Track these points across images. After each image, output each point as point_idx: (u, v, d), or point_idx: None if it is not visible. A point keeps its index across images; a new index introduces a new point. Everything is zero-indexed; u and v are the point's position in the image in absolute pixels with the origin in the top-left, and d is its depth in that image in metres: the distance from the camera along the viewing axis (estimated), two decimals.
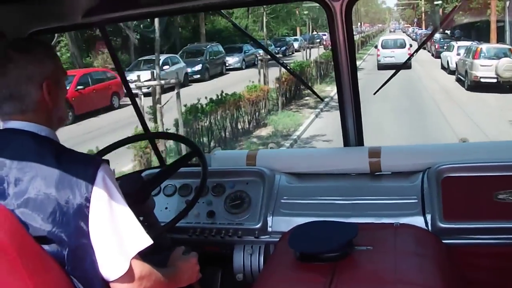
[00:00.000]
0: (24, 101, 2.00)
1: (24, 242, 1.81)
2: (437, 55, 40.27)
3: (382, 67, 32.54)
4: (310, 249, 2.61)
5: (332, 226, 2.77)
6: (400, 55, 31.55)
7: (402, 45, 35.56)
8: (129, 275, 1.96)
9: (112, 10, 3.19)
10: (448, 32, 56.90)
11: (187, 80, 31.87)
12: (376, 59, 35.61)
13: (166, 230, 2.96)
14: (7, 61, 1.98)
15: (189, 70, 33.06)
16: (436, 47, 42.99)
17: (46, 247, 1.88)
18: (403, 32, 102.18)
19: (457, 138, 3.67)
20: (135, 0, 3.01)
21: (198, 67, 34.50)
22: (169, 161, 10.43)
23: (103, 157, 2.45)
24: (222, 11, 3.72)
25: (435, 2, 75.87)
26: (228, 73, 38.74)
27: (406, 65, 3.45)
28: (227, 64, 39.81)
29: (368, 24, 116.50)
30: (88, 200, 1.90)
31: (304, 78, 23.47)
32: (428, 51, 48.11)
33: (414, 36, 75.57)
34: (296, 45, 55.16)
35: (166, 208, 3.47)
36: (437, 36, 44.89)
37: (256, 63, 36.05)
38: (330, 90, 24.48)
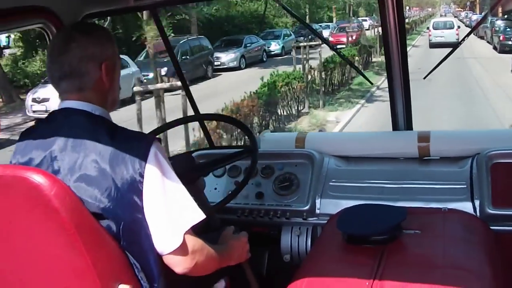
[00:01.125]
0: (83, 79, 2.07)
1: (83, 218, 1.87)
2: (503, 49, 31.94)
3: (433, 45, 37.12)
4: (358, 231, 2.62)
5: (380, 209, 2.77)
6: (449, 35, 37.39)
7: (451, 26, 39.99)
8: (182, 249, 2.01)
9: None
10: None
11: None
12: (428, 38, 40.30)
13: (216, 210, 3.01)
14: (71, 40, 2.06)
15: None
16: (501, 38, 33.18)
17: (101, 222, 1.94)
18: (455, 17, 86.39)
19: None
20: None
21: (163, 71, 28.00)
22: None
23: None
24: None
25: None
26: (218, 74, 30.50)
27: (455, 46, 3.40)
28: (217, 63, 31.24)
29: (417, 8, 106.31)
30: (141, 175, 1.95)
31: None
32: (488, 43, 37.97)
33: (468, 22, 63.55)
34: (326, 33, 44.68)
35: (216, 188, 3.51)
36: (501, 24, 35.24)
37: (264, 59, 35.06)
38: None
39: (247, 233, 2.64)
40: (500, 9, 39.92)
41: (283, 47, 38.57)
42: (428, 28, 44.98)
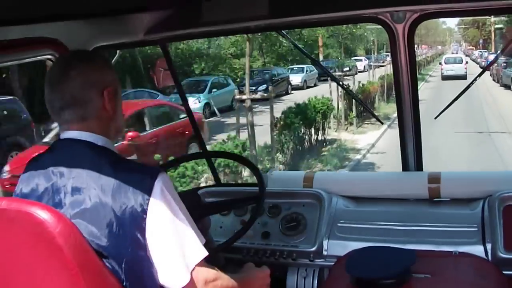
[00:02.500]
0: (87, 108, 2.03)
1: (86, 257, 1.82)
2: None
3: (445, 78, 43.71)
4: (367, 274, 2.58)
5: (389, 252, 2.73)
6: (458, 69, 44.27)
7: (460, 61, 47.16)
8: (192, 284, 1.95)
9: (174, 27, 3.22)
10: None
11: None
12: (441, 72, 47.50)
13: (221, 250, 2.96)
14: (70, 69, 2.03)
15: None
16: None
17: (103, 260, 1.88)
18: (466, 55, 78.51)
19: None
20: (197, 19, 3.04)
21: None
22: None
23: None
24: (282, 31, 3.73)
25: (496, 26, 70.65)
26: None
27: (466, 88, 3.40)
28: None
29: (426, 46, 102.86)
30: (145, 211, 1.90)
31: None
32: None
33: (484, 63, 53.58)
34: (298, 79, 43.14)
35: (221, 227, 3.47)
36: None
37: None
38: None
39: None
40: None
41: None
42: (440, 63, 53.88)
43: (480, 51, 74.06)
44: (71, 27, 2.90)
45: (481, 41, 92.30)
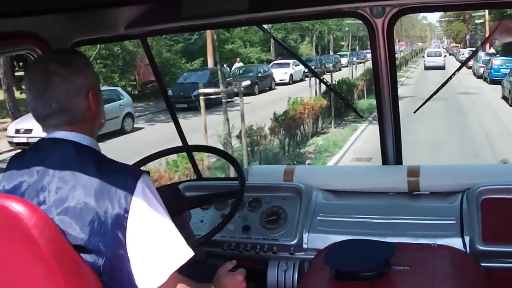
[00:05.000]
0: (74, 113, 2.03)
1: (62, 249, 1.82)
2: None
3: (427, 68, 51.71)
4: (346, 267, 2.58)
5: (369, 244, 2.74)
6: (438, 61, 52.75)
7: (440, 55, 55.49)
8: (166, 286, 1.94)
9: (154, 22, 3.21)
10: None
11: None
12: (423, 63, 54.94)
13: (201, 243, 2.96)
14: (52, 75, 2.00)
15: None
16: None
17: (83, 255, 1.88)
18: (450, 54, 77.13)
19: None
20: (177, 13, 3.03)
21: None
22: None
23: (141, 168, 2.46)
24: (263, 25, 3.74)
25: (476, 21, 66.55)
26: None
27: (444, 82, 3.44)
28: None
29: (403, 43, 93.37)
30: (126, 211, 1.90)
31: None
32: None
33: (480, 72, 38.84)
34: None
35: (202, 221, 3.47)
36: None
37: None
38: None
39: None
40: None
41: None
42: (423, 56, 61.58)
43: (471, 50, 55.42)
44: (51, 21, 2.88)
45: (468, 36, 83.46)
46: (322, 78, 3.80)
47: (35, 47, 2.85)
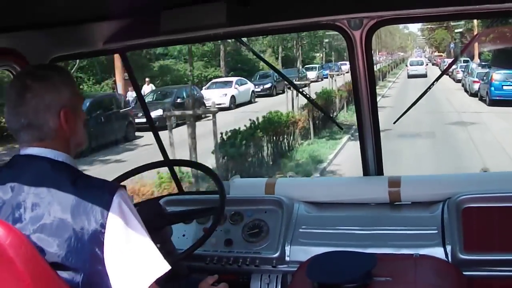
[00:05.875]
0: (43, 130, 2.01)
1: (39, 268, 1.80)
2: None
3: (410, 76, 51.62)
4: (328, 279, 2.58)
5: (350, 256, 2.75)
6: (420, 69, 53.34)
7: (421, 63, 56.86)
8: None
9: (133, 37, 3.21)
10: None
11: None
12: (407, 72, 55.47)
13: (183, 258, 2.94)
14: (25, 90, 1.99)
15: None
16: None
17: (61, 273, 1.87)
18: (433, 64, 72.72)
19: None
20: (156, 28, 3.03)
21: None
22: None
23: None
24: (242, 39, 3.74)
25: (456, 31, 64.84)
26: None
27: (424, 92, 3.43)
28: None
29: (384, 53, 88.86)
30: (103, 226, 1.89)
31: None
32: None
33: (474, 89, 31.20)
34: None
35: (184, 235, 3.46)
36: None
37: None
38: None
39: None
40: None
41: None
42: (406, 65, 62.62)
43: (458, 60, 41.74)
44: (29, 38, 2.88)
45: (452, 45, 73.58)
46: (302, 91, 3.80)
47: (13, 63, 2.85)
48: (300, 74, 40.64)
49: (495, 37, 41.49)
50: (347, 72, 32.39)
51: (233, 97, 32.44)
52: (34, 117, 1.99)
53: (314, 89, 23.41)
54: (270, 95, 37.53)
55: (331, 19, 3.02)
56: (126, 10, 2.97)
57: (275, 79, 38.38)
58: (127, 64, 3.68)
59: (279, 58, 55.92)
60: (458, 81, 39.44)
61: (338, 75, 31.32)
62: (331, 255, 2.82)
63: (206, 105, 25.32)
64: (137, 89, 3.92)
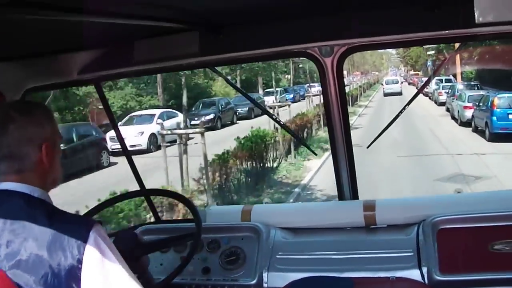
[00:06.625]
0: (23, 161, 2.01)
1: None
2: None
3: (386, 94, 57.06)
4: None
5: (327, 281, 2.76)
6: (395, 87, 58.45)
7: (396, 82, 62.09)
8: None
9: (107, 67, 3.22)
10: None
11: None
12: (382, 90, 60.64)
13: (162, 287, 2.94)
14: (9, 121, 2.00)
15: None
16: None
17: None
18: (411, 84, 72.97)
19: None
20: (130, 58, 3.05)
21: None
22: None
23: (96, 216, 2.44)
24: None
25: (428, 53, 64.44)
26: None
27: (398, 114, 3.47)
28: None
29: (358, 73, 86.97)
30: (80, 261, 1.89)
31: None
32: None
33: (466, 117, 25.95)
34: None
35: (161, 264, 3.44)
36: None
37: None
38: None
39: None
40: None
41: None
42: (382, 83, 67.38)
43: (439, 80, 41.24)
44: (3, 69, 2.88)
45: (429, 63, 69.10)
46: (275, 117, 3.83)
47: None
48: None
49: (482, 53, 39.26)
50: (314, 95, 30.58)
51: (153, 136, 25.45)
52: (16, 148, 1.99)
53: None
54: (212, 128, 31.39)
55: (302, 47, 3.06)
56: (100, 40, 2.99)
57: (220, 108, 35.34)
58: (102, 93, 3.69)
59: (237, 81, 48.43)
60: (442, 103, 35.39)
61: (314, 96, 30.05)
62: (309, 280, 2.83)
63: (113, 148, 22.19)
64: (112, 119, 3.92)
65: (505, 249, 2.90)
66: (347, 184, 3.52)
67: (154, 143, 25.34)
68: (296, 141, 19.52)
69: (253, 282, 3.19)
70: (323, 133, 24.11)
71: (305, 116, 23.95)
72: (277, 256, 3.25)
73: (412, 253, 3.05)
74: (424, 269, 2.94)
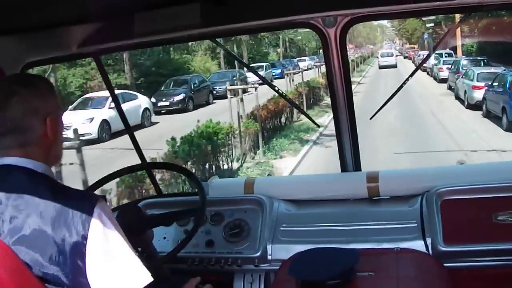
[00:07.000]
0: (27, 135, 1.98)
1: (24, 280, 1.78)
2: None
3: (381, 67, 56.72)
4: (311, 277, 2.59)
5: (333, 253, 2.76)
6: (390, 60, 58.66)
7: (391, 55, 62.37)
8: None
9: (107, 40, 3.18)
10: None
11: None
12: (378, 63, 61.33)
13: (167, 261, 2.93)
14: (12, 94, 1.97)
15: None
16: None
17: (44, 285, 1.84)
18: (406, 58, 72.17)
19: None
20: (129, 30, 3.01)
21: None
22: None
23: (100, 189, 2.42)
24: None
25: (428, 25, 63.35)
26: None
27: (399, 87, 3.42)
28: None
29: (352, 46, 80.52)
30: (85, 238, 1.87)
31: None
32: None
33: (474, 97, 21.73)
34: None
35: (165, 238, 3.44)
36: None
37: None
38: None
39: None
40: None
41: None
42: (377, 57, 68.53)
43: (441, 54, 36.81)
44: (2, 44, 2.84)
45: (425, 36, 66.07)
46: (277, 89, 3.79)
47: None
48: (237, 77, 28.70)
49: (488, 25, 35.92)
50: (306, 70, 29.63)
51: (105, 122, 22.05)
52: (21, 121, 1.97)
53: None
54: (183, 110, 28.49)
55: (305, 17, 3.03)
56: (100, 12, 2.94)
57: (192, 87, 31.25)
58: (101, 67, 3.65)
59: (221, 57, 47.55)
60: (443, 80, 31.77)
61: (295, 73, 27.11)
62: (313, 252, 2.83)
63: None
64: (112, 92, 3.89)
65: (509, 219, 2.92)
66: (350, 156, 3.51)
67: (107, 130, 22.10)
68: (267, 133, 17.51)
69: (257, 254, 3.19)
70: (305, 119, 19.90)
71: (280, 100, 19.22)
72: (281, 228, 3.25)
73: (416, 224, 3.05)
74: (428, 240, 2.95)
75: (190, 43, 38.54)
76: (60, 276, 1.85)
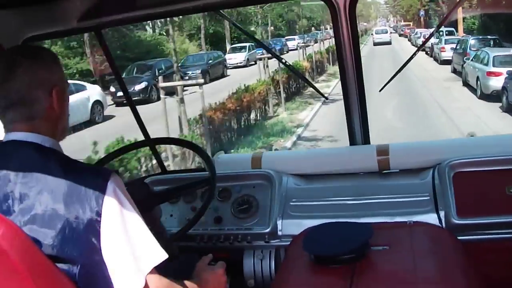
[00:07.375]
0: (34, 107, 1.91)
1: (36, 260, 1.71)
2: None
3: (376, 44, 57.50)
4: (325, 251, 2.55)
5: (346, 227, 2.72)
6: (385, 37, 60.72)
7: (386, 32, 64.28)
8: None
9: (108, 13, 3.11)
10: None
11: None
12: (372, 40, 61.53)
13: (178, 238, 2.89)
14: (16, 66, 1.89)
15: None
16: None
17: (57, 264, 1.78)
18: (402, 35, 73.29)
19: None
20: (132, 2, 2.94)
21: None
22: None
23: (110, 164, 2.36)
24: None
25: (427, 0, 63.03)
26: None
27: (404, 64, 3.36)
28: None
29: None
30: (99, 214, 1.80)
31: None
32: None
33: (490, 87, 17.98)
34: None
35: (171, 215, 3.40)
36: None
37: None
38: None
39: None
40: None
41: None
42: (372, 34, 68.53)
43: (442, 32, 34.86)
44: (1, 18, 2.77)
45: (422, 12, 66.76)
46: (284, 61, 3.74)
47: None
48: (211, 61, 30.71)
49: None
50: (294, 49, 28.02)
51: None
52: (27, 92, 1.89)
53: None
54: (146, 101, 24.33)
55: None
56: None
57: (156, 73, 26.85)
58: (104, 43, 3.57)
59: (202, 37, 43.69)
60: (445, 62, 28.29)
61: (269, 58, 21.79)
62: (326, 226, 2.79)
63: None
64: (114, 67, 3.81)
65: None
66: (358, 129, 3.46)
67: None
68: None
69: (267, 230, 3.14)
70: (285, 113, 19.05)
71: (249, 93, 17.13)
72: (291, 203, 3.20)
73: (428, 197, 3.02)
74: (442, 213, 2.92)
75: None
76: (75, 254, 1.79)
